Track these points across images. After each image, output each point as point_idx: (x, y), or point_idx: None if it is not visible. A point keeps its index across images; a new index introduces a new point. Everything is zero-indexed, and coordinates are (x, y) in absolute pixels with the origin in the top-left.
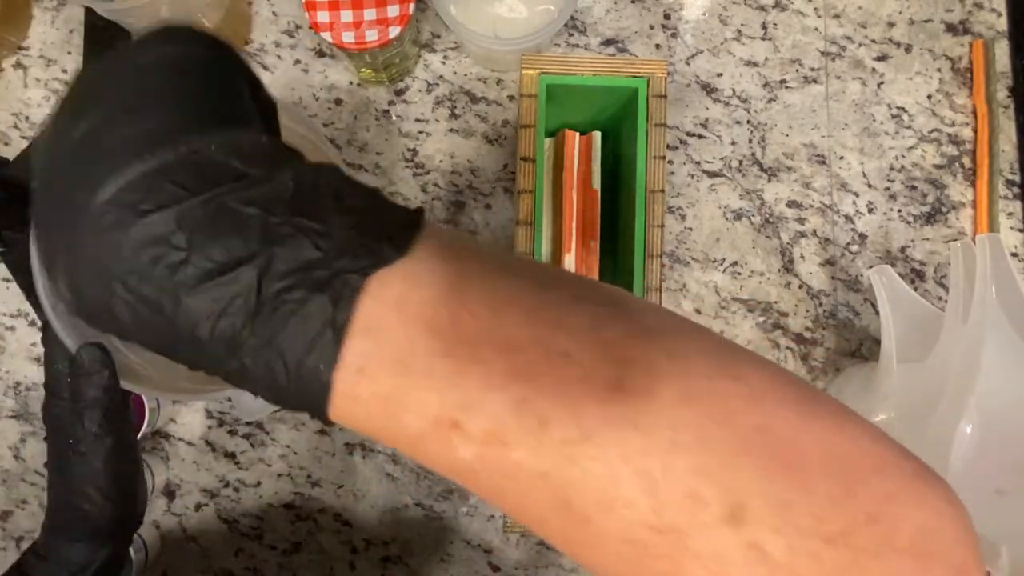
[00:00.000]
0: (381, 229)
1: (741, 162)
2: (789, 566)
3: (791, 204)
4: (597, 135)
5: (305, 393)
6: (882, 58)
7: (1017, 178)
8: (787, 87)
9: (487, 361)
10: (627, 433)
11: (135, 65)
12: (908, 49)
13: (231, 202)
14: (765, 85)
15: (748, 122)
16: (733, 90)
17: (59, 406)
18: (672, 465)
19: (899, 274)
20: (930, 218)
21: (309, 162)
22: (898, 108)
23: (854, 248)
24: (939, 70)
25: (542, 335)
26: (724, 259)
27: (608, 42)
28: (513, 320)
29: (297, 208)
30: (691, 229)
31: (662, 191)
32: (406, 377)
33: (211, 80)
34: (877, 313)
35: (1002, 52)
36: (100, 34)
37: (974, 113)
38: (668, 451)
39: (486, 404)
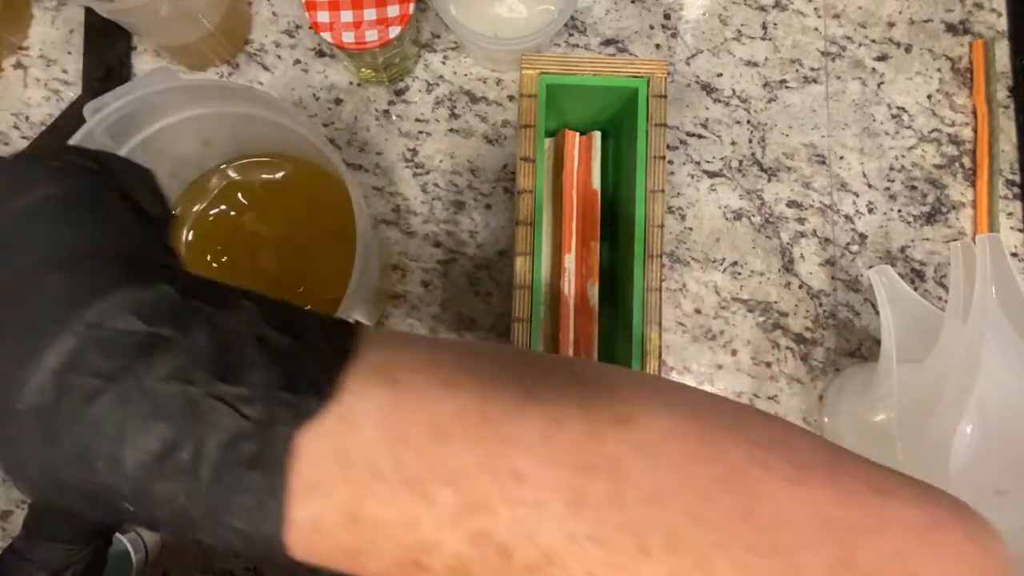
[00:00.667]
0: (305, 373)
1: (741, 162)
2: None
3: (791, 204)
4: (597, 135)
5: (265, 552)
6: (882, 58)
7: (1017, 178)
8: (787, 87)
9: (436, 499)
10: (589, 549)
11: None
12: (908, 49)
13: (147, 382)
14: (765, 85)
15: (748, 122)
16: (733, 90)
17: None
18: (644, 573)
19: (899, 274)
20: (930, 218)
21: (225, 299)
22: (898, 108)
23: (854, 248)
24: (939, 70)
25: (490, 459)
26: (724, 259)
27: (608, 42)
28: (458, 446)
29: (218, 369)
30: (691, 229)
31: (662, 191)
32: (358, 527)
33: (90, 226)
34: (877, 313)
35: (1002, 52)
36: (100, 34)
37: (974, 113)
38: (636, 560)
39: (443, 544)
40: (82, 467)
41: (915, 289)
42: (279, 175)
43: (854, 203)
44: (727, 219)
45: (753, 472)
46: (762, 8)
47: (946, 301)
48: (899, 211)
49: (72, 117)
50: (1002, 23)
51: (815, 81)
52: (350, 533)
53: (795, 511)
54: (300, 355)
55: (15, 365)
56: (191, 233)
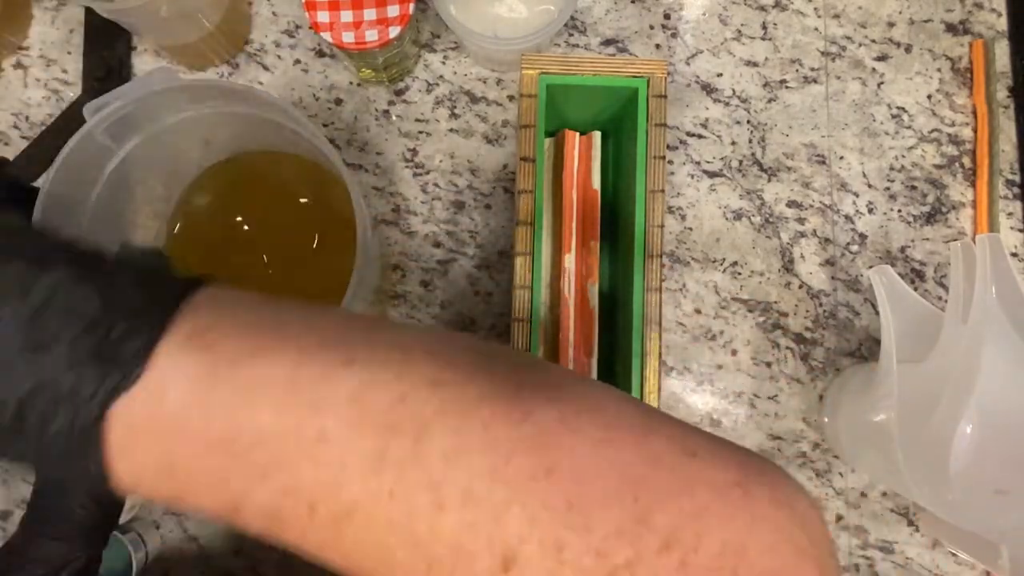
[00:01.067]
0: (115, 349)
1: (741, 162)
2: None
3: (791, 204)
4: (597, 135)
5: (100, 490)
6: (882, 58)
7: (1017, 178)
8: (787, 87)
9: (243, 456)
10: (388, 503)
11: None
12: (908, 49)
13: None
14: (765, 85)
15: (748, 122)
16: (733, 90)
17: None
18: (440, 525)
19: (899, 274)
20: (930, 218)
21: (52, 257)
22: (898, 108)
23: (854, 248)
24: (939, 70)
25: (296, 421)
26: (724, 259)
27: (608, 42)
28: (267, 410)
29: (30, 338)
30: (691, 229)
31: (662, 191)
32: (177, 479)
33: None
34: (877, 313)
35: (1002, 52)
36: (100, 34)
37: (974, 113)
38: (432, 513)
39: (254, 495)
40: None
41: (915, 289)
42: (279, 175)
43: (854, 203)
44: (727, 219)
45: (559, 432)
46: (762, 8)
47: (946, 301)
48: (899, 211)
49: (72, 117)
50: (1002, 23)
51: (815, 81)
52: (172, 483)
53: (597, 470)
54: (116, 322)
55: None
56: (190, 233)
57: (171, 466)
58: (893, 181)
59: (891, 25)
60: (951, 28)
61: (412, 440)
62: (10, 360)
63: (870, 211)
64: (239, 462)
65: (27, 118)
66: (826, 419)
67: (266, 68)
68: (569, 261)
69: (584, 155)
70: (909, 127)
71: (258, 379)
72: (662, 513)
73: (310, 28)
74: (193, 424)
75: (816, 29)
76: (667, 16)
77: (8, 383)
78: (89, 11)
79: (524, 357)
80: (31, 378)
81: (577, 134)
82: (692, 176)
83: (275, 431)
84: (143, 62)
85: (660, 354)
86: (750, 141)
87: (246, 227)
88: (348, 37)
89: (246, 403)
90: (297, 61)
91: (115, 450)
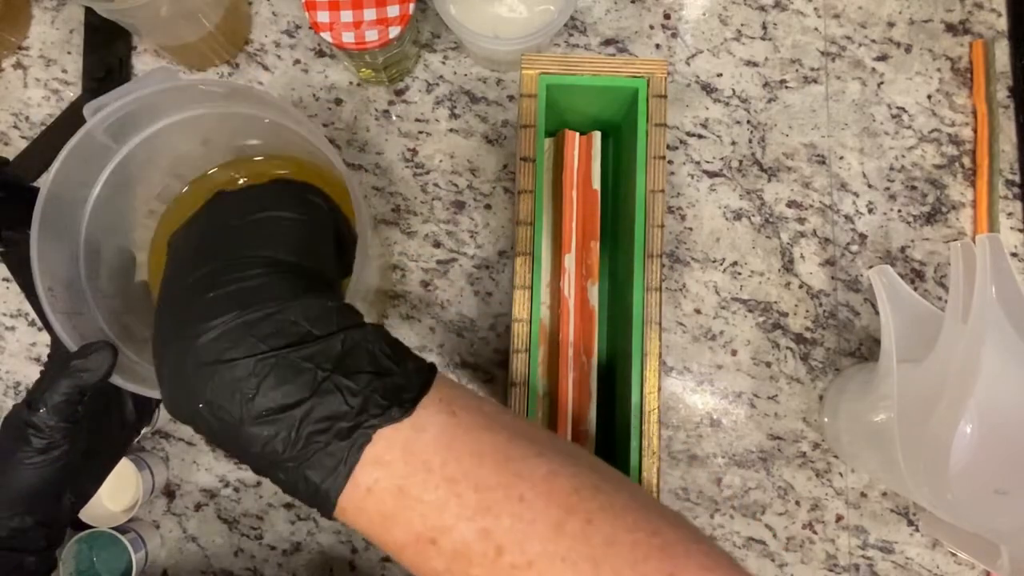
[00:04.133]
0: (397, 393)
1: (741, 162)
2: None
3: (791, 204)
4: (597, 135)
5: (318, 504)
6: (882, 58)
7: (1017, 178)
8: (787, 87)
9: (462, 496)
10: (559, 566)
11: (244, 223)
12: (908, 49)
13: (293, 357)
14: (765, 85)
15: (748, 122)
16: (733, 90)
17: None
18: None
19: (899, 274)
20: (930, 218)
21: (360, 322)
22: (898, 108)
23: (854, 248)
24: (939, 70)
25: (507, 481)
26: (724, 259)
27: (608, 42)
28: (488, 468)
29: (341, 365)
30: (691, 229)
31: (662, 191)
32: (401, 498)
33: (304, 246)
34: (877, 313)
35: (1002, 52)
36: (100, 34)
37: (974, 113)
38: None
39: (456, 529)
40: (224, 397)
41: (915, 289)
42: (279, 175)
43: (854, 203)
44: (727, 219)
45: (678, 550)
46: (762, 8)
47: (946, 301)
48: (899, 211)
49: (72, 117)
50: (1002, 23)
51: (815, 81)
52: (394, 501)
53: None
54: (399, 376)
55: (216, 307)
56: None
57: (400, 489)
58: (893, 181)
59: (891, 25)
60: (951, 28)
61: (583, 522)
62: (326, 376)
63: (870, 211)
64: (458, 501)
65: (27, 118)
66: (826, 419)
67: (266, 68)
68: (569, 261)
69: (584, 155)
70: (909, 127)
71: (486, 445)
72: None
73: (310, 28)
74: (434, 461)
75: (816, 29)
76: (667, 16)
77: (318, 389)
78: (89, 11)
79: (646, 495)
80: (335, 393)
81: (577, 134)
82: (692, 176)
83: (492, 484)
84: (143, 62)
85: (660, 354)
86: (750, 141)
87: None
88: (348, 37)
89: (475, 458)
90: (297, 61)
91: (367, 460)
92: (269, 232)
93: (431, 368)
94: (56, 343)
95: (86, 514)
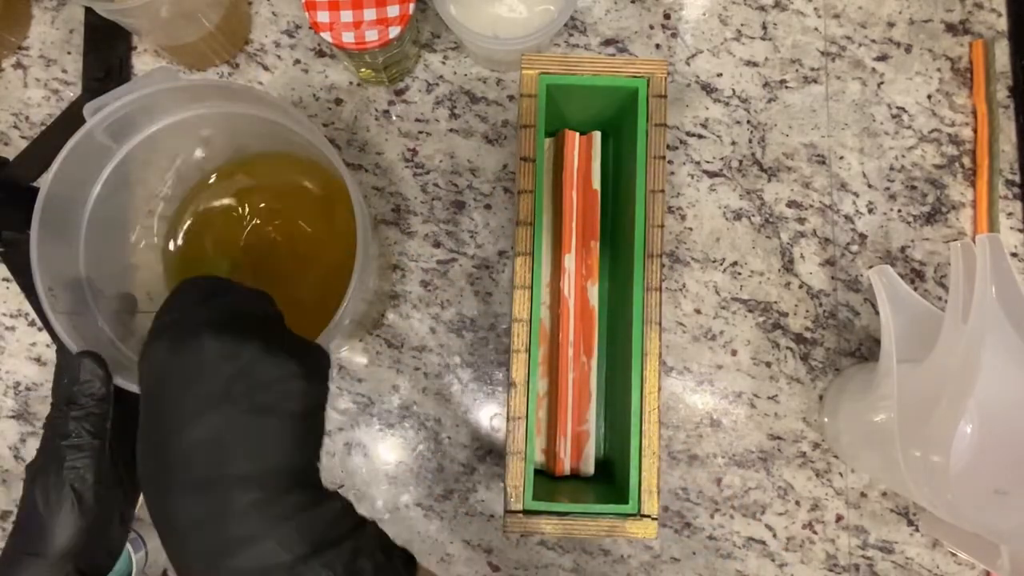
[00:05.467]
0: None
1: (741, 162)
2: None
3: (791, 204)
4: (597, 135)
5: None
6: (882, 58)
7: (1017, 178)
8: (787, 87)
9: None
10: None
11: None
12: (908, 49)
13: (312, 565)
14: (765, 85)
15: (748, 122)
16: (733, 90)
17: (57, 416)
18: None
19: (899, 274)
20: (930, 218)
21: (356, 519)
22: (898, 108)
23: (854, 248)
24: (939, 70)
25: None
26: (724, 259)
27: (608, 42)
28: None
29: (349, 569)
30: (691, 229)
31: (662, 191)
32: None
33: (287, 444)
34: (877, 313)
35: (1002, 52)
36: (100, 34)
37: (974, 113)
38: None
39: None
40: None
41: (915, 289)
42: (280, 175)
43: (854, 203)
44: (727, 219)
45: None
46: (762, 8)
47: (946, 301)
48: (899, 211)
49: (72, 117)
50: (1002, 23)
51: (815, 81)
52: None
53: None
54: (392, 572)
55: (230, 549)
56: (192, 233)
57: None
58: (893, 181)
59: (891, 25)
60: (951, 28)
61: None
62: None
63: (870, 211)
64: None
65: (27, 118)
66: (826, 419)
67: (266, 68)
68: (569, 261)
69: (584, 155)
70: (909, 127)
71: None
72: None
73: (310, 28)
74: None
75: (816, 29)
76: (667, 16)
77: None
78: (89, 11)
79: None
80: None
81: (577, 134)
82: (692, 176)
83: None
84: (143, 62)
85: (660, 354)
86: (750, 141)
87: (250, 230)
88: (348, 37)
89: None
90: (297, 61)
91: None
92: (270, 426)
93: (413, 561)
94: (61, 347)
95: None
